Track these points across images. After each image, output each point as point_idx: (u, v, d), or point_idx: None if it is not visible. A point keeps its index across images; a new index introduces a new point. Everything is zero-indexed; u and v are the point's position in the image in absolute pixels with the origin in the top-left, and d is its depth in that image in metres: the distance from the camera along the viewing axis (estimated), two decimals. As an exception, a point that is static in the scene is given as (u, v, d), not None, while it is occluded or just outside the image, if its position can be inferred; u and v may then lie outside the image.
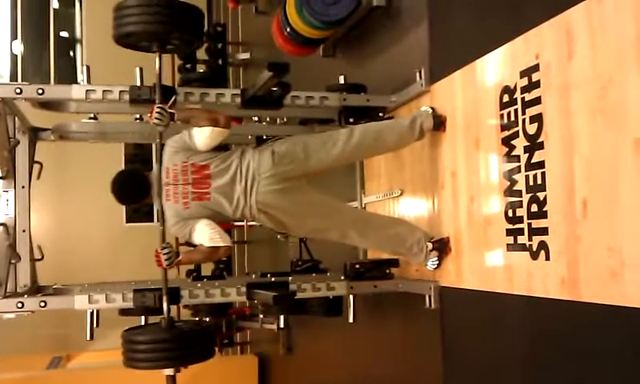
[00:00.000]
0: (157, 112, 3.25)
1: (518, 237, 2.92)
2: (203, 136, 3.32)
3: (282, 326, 6.00)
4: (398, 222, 3.94)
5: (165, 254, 3.28)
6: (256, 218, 3.47)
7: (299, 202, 3.49)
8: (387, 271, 3.99)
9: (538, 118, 2.77)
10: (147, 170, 3.52)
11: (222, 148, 3.53)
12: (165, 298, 3.39)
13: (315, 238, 3.72)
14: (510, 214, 2.98)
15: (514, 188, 2.95)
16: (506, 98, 3.01)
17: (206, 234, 3.32)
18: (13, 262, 3.67)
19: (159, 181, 3.36)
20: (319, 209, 3.61)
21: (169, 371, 3.44)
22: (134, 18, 3.34)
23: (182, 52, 3.43)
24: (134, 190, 3.51)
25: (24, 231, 3.77)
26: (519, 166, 2.91)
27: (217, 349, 8.99)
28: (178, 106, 3.50)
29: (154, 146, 3.37)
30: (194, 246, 3.49)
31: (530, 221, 2.84)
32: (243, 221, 3.49)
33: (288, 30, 4.82)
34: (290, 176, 3.40)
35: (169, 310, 3.39)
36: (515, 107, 2.94)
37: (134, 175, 3.62)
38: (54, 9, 11.92)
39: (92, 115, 4.07)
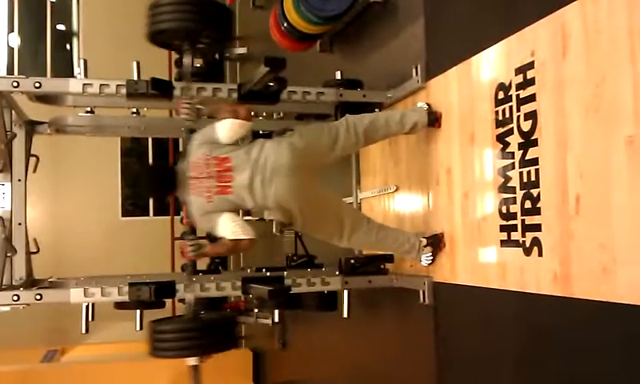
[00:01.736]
0: (185, 107, 3.33)
1: (512, 233, 2.94)
2: (225, 128, 3.36)
3: (276, 320, 6.03)
4: (388, 225, 3.97)
5: (190, 245, 3.33)
6: (271, 211, 3.47)
7: (313, 196, 3.51)
8: (382, 266, 4.01)
9: (532, 115, 2.79)
10: (174, 164, 3.54)
11: (244, 141, 3.53)
12: (192, 291, 3.46)
13: (312, 234, 3.72)
14: (504, 210, 3.00)
15: (508, 184, 2.96)
16: (501, 95, 3.03)
17: (228, 228, 3.34)
18: (9, 255, 3.68)
19: (185, 175, 3.39)
20: (327, 204, 3.64)
21: (193, 361, 3.49)
22: (167, 15, 3.37)
23: (212, 50, 3.49)
24: (162, 183, 3.55)
25: (20, 224, 3.78)
26: (513, 163, 2.92)
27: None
28: (176, 100, 3.52)
29: (180, 139, 3.42)
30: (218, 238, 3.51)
31: (523, 217, 2.86)
32: (264, 213, 3.50)
33: (285, 24, 4.83)
34: (307, 169, 3.43)
35: (195, 301, 3.45)
36: (510, 104, 2.95)
37: (161, 168, 3.68)
38: (51, 2, 11.89)
39: (88, 109, 4.08)
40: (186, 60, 3.53)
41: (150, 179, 3.61)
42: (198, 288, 3.65)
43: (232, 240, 3.34)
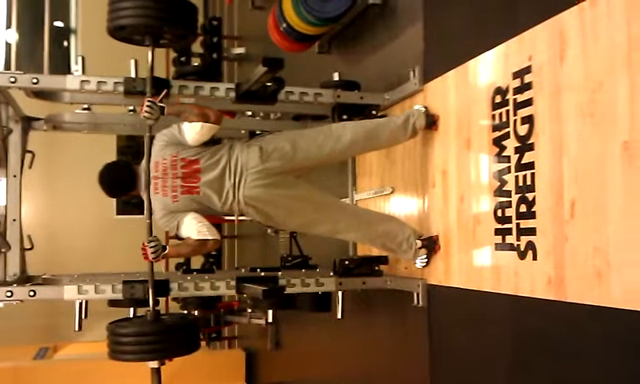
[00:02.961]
0: (147, 106, 3.26)
1: (507, 236, 2.94)
2: (193, 131, 3.34)
3: (270, 320, 6.01)
4: (388, 218, 3.97)
5: (151, 247, 3.29)
6: (244, 212, 3.48)
7: (287, 196, 3.50)
8: (376, 268, 4.01)
9: (529, 120, 2.80)
10: (136, 163, 3.52)
11: (211, 142, 3.54)
12: (151, 291, 3.40)
13: (305, 233, 3.73)
14: (499, 213, 3.01)
15: (504, 188, 2.97)
16: (498, 99, 3.03)
17: (193, 228, 3.34)
18: (2, 251, 3.67)
19: (147, 173, 3.37)
20: (309, 203, 3.62)
21: (153, 364, 3.44)
22: (127, 11, 3.34)
23: (175, 46, 3.42)
24: (120, 181, 3.56)
25: (14, 220, 3.76)
26: (509, 167, 2.93)
27: (204, 342, 9.03)
28: (172, 99, 3.51)
29: (145, 138, 3.38)
30: (182, 239, 3.50)
31: (518, 221, 2.86)
32: (233, 215, 3.48)
33: (284, 25, 4.83)
34: (278, 171, 3.42)
35: (154, 303, 3.40)
36: (507, 108, 2.96)
37: (120, 167, 3.66)
38: (49, -2, 11.88)
39: (85, 106, 4.07)
40: (150, 56, 3.48)
41: (107, 177, 3.57)
42: (192, 287, 3.65)
43: (197, 240, 3.33)
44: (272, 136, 3.55)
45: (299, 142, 3.51)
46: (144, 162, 3.41)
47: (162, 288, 3.56)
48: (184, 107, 3.47)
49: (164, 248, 3.35)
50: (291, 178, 3.50)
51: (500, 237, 3.00)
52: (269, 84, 3.68)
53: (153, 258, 3.31)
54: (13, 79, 3.40)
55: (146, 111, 3.25)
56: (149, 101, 3.27)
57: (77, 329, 3.70)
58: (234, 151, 3.39)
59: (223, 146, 3.43)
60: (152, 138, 3.42)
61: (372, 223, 3.73)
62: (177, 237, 3.67)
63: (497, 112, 3.04)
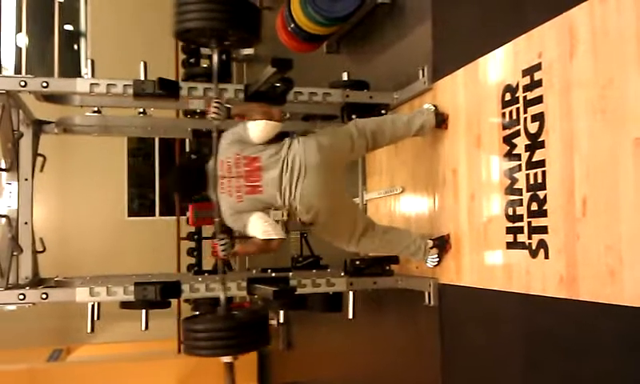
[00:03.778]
0: (214, 106, 3.32)
1: (518, 235, 2.93)
2: (258, 129, 3.36)
3: (281, 321, 6.01)
4: (394, 227, 3.97)
5: (222, 244, 3.33)
6: (297, 210, 3.46)
7: (338, 197, 3.54)
8: (387, 268, 4.01)
9: (539, 117, 2.78)
10: (205, 163, 3.54)
11: (273, 141, 3.53)
12: (222, 288, 3.44)
13: (328, 234, 3.71)
14: (510, 212, 2.99)
15: (515, 186, 2.96)
16: (508, 97, 3.02)
17: (259, 227, 3.35)
18: (15, 254, 3.68)
19: (215, 173, 3.40)
20: (345, 206, 3.65)
21: (227, 358, 3.48)
22: (193, 14, 3.36)
23: (239, 48, 3.44)
24: (193, 183, 3.56)
25: (26, 223, 3.79)
26: (520, 165, 2.92)
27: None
28: (182, 100, 3.53)
29: (213, 138, 3.41)
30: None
31: (529, 219, 2.85)
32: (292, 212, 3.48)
33: (292, 25, 4.84)
34: (331, 167, 3.44)
35: (226, 300, 3.44)
36: (517, 106, 2.95)
37: (193, 169, 3.67)
38: (59, 2, 11.92)
39: (95, 109, 4.09)
40: (215, 58, 3.51)
41: (182, 179, 3.62)
42: (203, 288, 3.65)
43: (263, 240, 3.34)
44: (324, 132, 3.55)
45: (336, 140, 3.51)
46: (211, 162, 3.44)
47: (173, 289, 3.57)
48: (248, 107, 3.50)
49: (233, 245, 3.38)
50: (343, 181, 3.51)
51: (511, 235, 2.98)
52: (278, 84, 3.69)
53: (223, 255, 3.36)
54: (23, 83, 3.42)
55: (214, 112, 3.32)
56: (216, 101, 3.34)
57: (89, 330, 3.72)
58: (292, 147, 3.39)
59: (283, 143, 3.43)
60: (218, 138, 3.44)
61: (380, 232, 3.73)
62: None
63: (507, 110, 3.03)
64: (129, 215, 11.59)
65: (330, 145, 3.43)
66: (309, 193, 3.35)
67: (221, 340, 3.35)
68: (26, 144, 3.82)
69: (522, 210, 2.91)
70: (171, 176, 3.54)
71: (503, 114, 3.06)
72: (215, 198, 3.42)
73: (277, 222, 3.39)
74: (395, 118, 3.71)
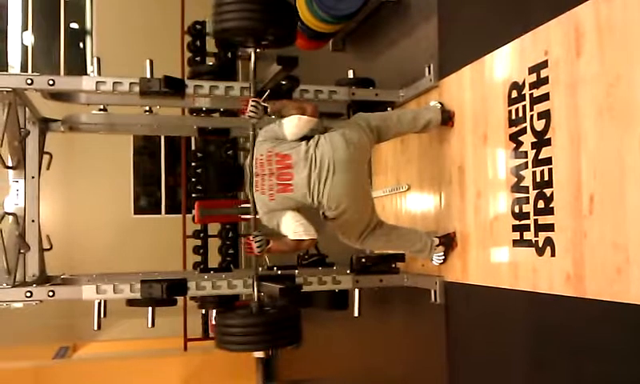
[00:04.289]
0: (252, 105, 3.33)
1: (525, 233, 2.92)
2: (291, 125, 3.37)
3: (287, 318, 5.99)
4: (400, 226, 3.96)
5: (257, 241, 3.33)
6: (326, 205, 3.45)
7: (362, 194, 3.53)
8: (393, 265, 4.00)
9: (545, 115, 2.78)
10: (237, 162, 3.56)
11: (302, 139, 3.53)
12: (255, 284, 3.45)
13: (343, 231, 3.71)
14: (517, 209, 2.99)
15: (521, 184, 2.95)
16: (514, 94, 3.01)
17: (290, 227, 3.35)
18: (22, 251, 3.69)
19: (251, 171, 3.41)
20: (370, 202, 3.65)
21: (259, 354, 3.47)
22: (232, 14, 3.36)
23: (276, 47, 3.44)
24: (233, 181, 3.60)
25: (33, 221, 3.79)
26: (526, 162, 2.91)
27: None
28: (188, 98, 3.53)
29: (250, 136, 3.41)
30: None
31: (536, 217, 2.84)
32: (322, 209, 3.47)
33: (298, 23, 4.83)
34: (359, 162, 3.45)
35: (258, 295, 3.45)
36: (523, 103, 2.94)
37: (232, 167, 3.68)
38: (65, 0, 11.95)
39: (101, 107, 4.09)
40: (252, 57, 3.51)
41: (221, 178, 3.67)
42: (209, 286, 3.66)
43: (294, 239, 3.35)
44: (349, 124, 3.55)
45: (352, 133, 3.50)
46: (248, 159, 3.45)
47: (179, 287, 3.57)
48: (283, 103, 3.50)
49: (268, 242, 3.38)
50: (367, 178, 3.50)
51: (518, 233, 2.98)
52: (283, 82, 3.68)
53: (258, 252, 3.36)
54: (29, 81, 3.42)
55: (251, 111, 3.33)
56: (254, 100, 3.35)
57: (96, 328, 3.73)
58: (319, 145, 3.38)
59: (312, 141, 3.42)
60: (255, 137, 3.44)
61: (390, 229, 3.73)
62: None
63: (513, 107, 3.02)
64: (135, 213, 11.62)
65: (358, 139, 3.43)
66: (338, 191, 3.34)
67: (254, 335, 3.36)
68: (32, 142, 3.83)
69: (528, 208, 2.90)
70: (210, 175, 3.55)
71: (510, 112, 3.05)
72: (251, 196, 3.43)
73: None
74: (401, 114, 3.70)
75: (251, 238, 3.35)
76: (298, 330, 3.60)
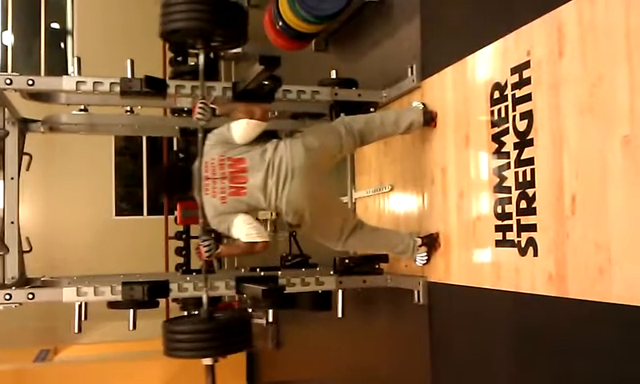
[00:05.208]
0: (200, 107, 3.31)
1: (507, 233, 2.93)
2: (240, 128, 3.35)
3: (270, 320, 5.99)
4: (381, 227, 3.97)
5: (205, 245, 3.32)
6: (284, 211, 3.45)
7: (324, 198, 3.54)
8: (376, 266, 4.00)
9: (528, 115, 2.78)
10: (190, 163, 3.53)
11: (258, 142, 3.52)
12: (205, 290, 3.43)
13: (316, 235, 3.71)
14: (499, 210, 2.99)
15: (504, 184, 2.96)
16: (496, 95, 3.02)
17: (243, 230, 3.33)
18: (1, 253, 3.65)
19: (200, 174, 3.38)
20: (337, 205, 3.65)
21: (207, 361, 3.46)
22: (181, 14, 3.34)
23: (226, 49, 3.42)
24: (178, 183, 3.57)
25: (12, 223, 3.75)
26: (509, 163, 2.92)
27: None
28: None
29: (199, 139, 3.39)
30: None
31: (518, 217, 2.85)
32: (278, 214, 3.48)
33: (280, 23, 4.82)
34: (319, 168, 3.43)
35: (208, 301, 3.43)
36: (506, 104, 2.94)
37: (177, 169, 3.67)
38: (45, 0, 11.86)
39: (82, 107, 4.06)
40: (202, 59, 3.50)
41: (168, 180, 3.63)
42: (191, 287, 3.63)
43: (247, 242, 3.33)
44: (310, 132, 3.54)
45: (325, 138, 3.49)
46: (197, 163, 3.42)
47: (161, 289, 3.55)
48: (232, 106, 3.48)
49: (217, 247, 3.37)
50: (329, 181, 3.50)
51: (500, 233, 2.98)
52: (266, 82, 3.67)
53: (207, 257, 3.35)
54: (9, 81, 3.38)
55: (199, 112, 3.31)
56: (201, 102, 3.33)
57: (76, 331, 3.69)
58: (278, 150, 3.37)
59: (269, 145, 3.40)
60: (204, 139, 3.41)
61: (370, 229, 3.74)
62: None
63: (495, 108, 3.03)
64: (116, 214, 11.54)
65: (319, 145, 3.42)
66: (296, 197, 3.34)
67: (202, 342, 3.34)
68: (11, 142, 3.78)
69: (510, 208, 2.91)
70: (157, 176, 3.52)
71: (492, 112, 3.05)
72: (199, 200, 3.40)
73: (265, 221, 3.39)
74: (384, 116, 3.70)
75: (199, 242, 3.34)
76: (249, 335, 3.59)
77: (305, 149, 3.35)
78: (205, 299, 3.44)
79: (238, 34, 3.57)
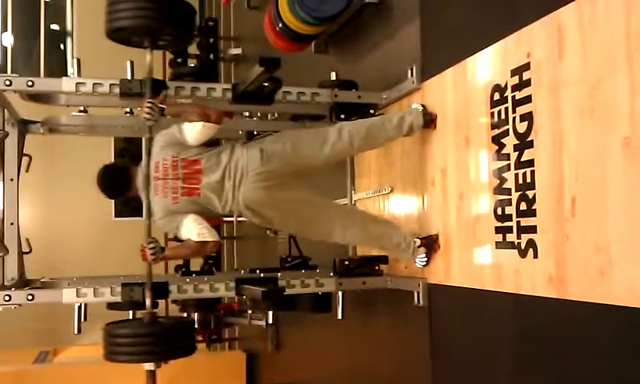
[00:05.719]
0: (147, 107, 3.28)
1: (507, 235, 2.93)
2: (194, 131, 3.34)
3: (270, 322, 5.99)
4: (384, 220, 3.97)
5: (150, 248, 3.30)
6: (243, 214, 3.48)
7: (286, 199, 3.51)
8: (376, 268, 3.99)
9: (528, 117, 2.78)
10: (135, 164, 3.52)
11: (212, 143, 3.54)
12: (148, 293, 3.39)
13: (302, 235, 3.72)
14: (499, 211, 2.99)
15: (504, 186, 2.95)
16: (496, 96, 3.02)
17: (194, 230, 3.33)
18: (0, 255, 3.65)
19: (147, 175, 3.36)
20: (306, 204, 3.64)
21: (149, 366, 3.44)
22: (126, 12, 3.32)
23: (174, 48, 3.37)
24: (117, 183, 3.56)
25: (12, 224, 3.75)
26: (509, 164, 2.91)
27: (205, 344, 9.00)
28: (169, 100, 3.50)
29: (143, 139, 3.37)
30: (182, 241, 3.50)
31: (518, 219, 2.85)
32: (232, 216, 3.50)
33: (280, 25, 4.81)
34: (278, 174, 3.42)
35: (152, 305, 3.40)
36: (506, 105, 2.94)
37: (116, 169, 3.66)
38: (45, 1, 11.84)
39: (82, 108, 4.06)
40: (148, 58, 3.47)
41: (105, 179, 3.59)
42: (191, 289, 3.63)
43: (197, 242, 3.32)
44: (272, 137, 3.54)
45: (299, 143, 3.50)
46: (143, 162, 3.41)
47: (161, 290, 3.54)
48: (184, 107, 3.48)
49: (163, 249, 3.35)
50: (290, 180, 3.51)
51: (500, 235, 2.98)
52: (266, 84, 3.67)
53: (152, 260, 3.33)
54: (8, 82, 3.38)
55: (147, 112, 3.27)
56: (149, 102, 3.29)
57: (76, 332, 3.69)
58: (234, 153, 3.38)
59: (225, 148, 3.43)
60: (151, 139, 3.41)
61: (368, 224, 3.74)
62: (176, 239, 3.66)
63: (495, 109, 3.02)
64: (116, 216, 11.52)
65: (274, 151, 3.40)
66: (249, 199, 3.35)
67: (142, 346, 3.32)
68: (11, 144, 3.78)
69: (510, 210, 2.90)
70: (97, 177, 3.51)
71: (492, 114, 3.05)
72: (145, 200, 3.39)
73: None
74: (385, 120, 3.69)
75: (145, 244, 3.31)
76: (192, 340, 3.58)
77: (260, 154, 3.36)
78: (148, 303, 3.39)
79: (185, 31, 3.55)
